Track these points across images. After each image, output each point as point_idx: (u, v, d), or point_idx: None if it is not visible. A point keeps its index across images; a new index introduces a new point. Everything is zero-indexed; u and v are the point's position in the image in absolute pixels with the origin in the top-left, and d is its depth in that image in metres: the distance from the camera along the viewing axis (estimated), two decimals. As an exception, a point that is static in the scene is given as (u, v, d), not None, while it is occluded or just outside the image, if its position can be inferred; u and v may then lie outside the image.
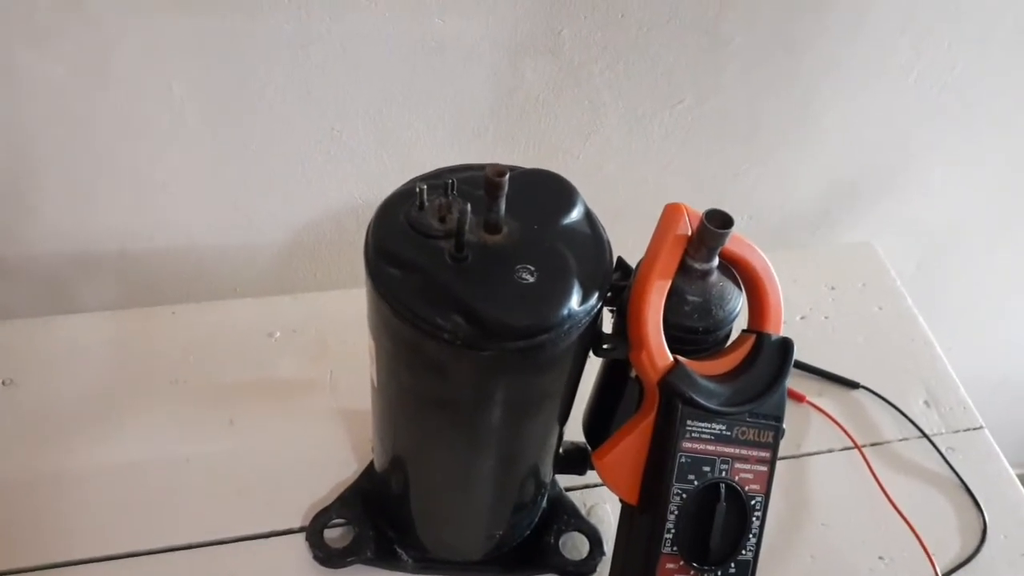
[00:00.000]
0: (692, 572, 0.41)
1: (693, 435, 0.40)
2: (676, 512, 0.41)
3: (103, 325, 0.70)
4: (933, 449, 0.69)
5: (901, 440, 0.70)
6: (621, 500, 0.43)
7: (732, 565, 0.42)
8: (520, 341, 0.38)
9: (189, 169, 0.70)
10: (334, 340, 0.71)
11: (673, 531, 0.41)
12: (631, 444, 0.41)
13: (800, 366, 0.72)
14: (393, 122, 0.70)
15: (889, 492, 0.64)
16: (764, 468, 0.43)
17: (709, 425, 0.41)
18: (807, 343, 0.74)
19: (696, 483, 0.41)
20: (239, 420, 0.65)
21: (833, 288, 0.80)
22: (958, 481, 0.67)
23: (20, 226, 0.71)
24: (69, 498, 0.59)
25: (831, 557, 0.62)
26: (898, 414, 0.71)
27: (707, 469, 0.41)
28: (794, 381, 0.71)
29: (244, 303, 0.73)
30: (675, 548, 0.41)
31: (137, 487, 0.61)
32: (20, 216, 0.70)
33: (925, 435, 0.70)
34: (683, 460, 0.40)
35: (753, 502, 0.42)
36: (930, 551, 0.61)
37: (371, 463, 0.61)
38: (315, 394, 0.68)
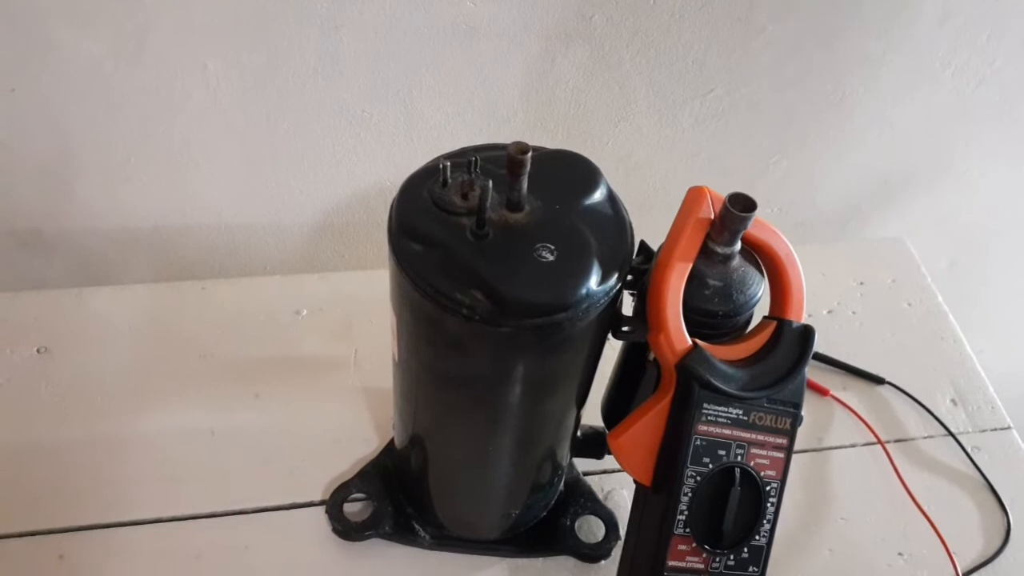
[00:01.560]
0: (704, 555, 0.41)
1: (709, 418, 0.41)
2: (689, 494, 0.41)
3: (135, 299, 0.71)
4: (958, 447, 0.68)
5: (926, 437, 0.69)
6: (635, 481, 0.43)
7: (745, 550, 0.42)
8: (538, 319, 0.38)
9: (222, 148, 0.71)
10: (359, 319, 0.72)
11: (686, 513, 0.41)
12: (646, 425, 0.41)
13: (825, 360, 0.72)
14: (423, 105, 0.70)
15: (911, 489, 0.64)
16: (781, 455, 0.43)
17: (726, 409, 0.41)
18: (833, 337, 0.73)
19: (711, 466, 0.41)
20: (264, 394, 0.66)
21: (862, 283, 0.79)
22: (983, 481, 0.66)
23: (57, 201, 0.72)
24: (96, 464, 0.61)
25: (849, 552, 0.62)
26: (923, 411, 0.70)
27: (722, 453, 0.41)
28: (818, 375, 0.71)
29: (272, 281, 0.74)
30: (687, 530, 0.41)
31: (163, 456, 0.62)
32: (57, 191, 0.72)
33: (951, 433, 0.69)
34: (698, 443, 0.40)
35: (768, 488, 0.42)
36: (951, 549, 0.61)
37: (392, 440, 0.62)
38: (339, 372, 0.69)
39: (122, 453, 0.62)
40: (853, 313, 0.76)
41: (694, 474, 0.41)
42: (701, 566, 0.42)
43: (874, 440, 0.67)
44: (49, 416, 0.63)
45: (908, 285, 0.79)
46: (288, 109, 0.69)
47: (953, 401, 0.71)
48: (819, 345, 0.71)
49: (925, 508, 0.62)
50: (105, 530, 0.58)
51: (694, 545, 0.41)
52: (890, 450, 0.67)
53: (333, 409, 0.66)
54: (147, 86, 0.65)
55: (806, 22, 0.69)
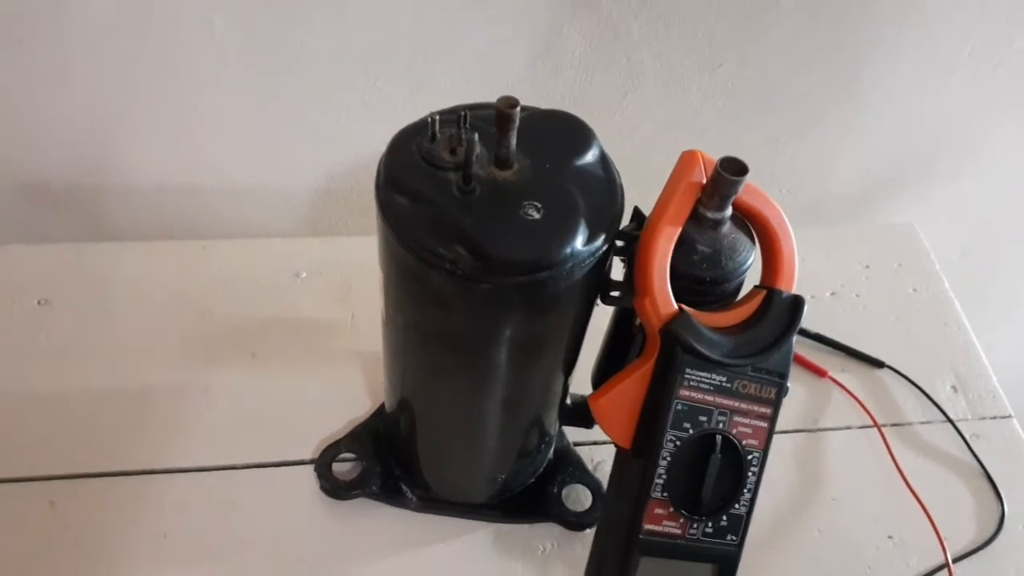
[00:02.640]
0: (681, 519, 0.41)
1: (691, 383, 0.40)
2: (668, 458, 0.40)
3: (136, 255, 0.72)
4: (956, 434, 0.67)
5: (923, 423, 0.68)
6: (615, 445, 0.43)
7: (724, 518, 0.42)
8: (521, 276, 0.38)
9: (228, 109, 0.71)
10: (358, 284, 0.72)
11: (664, 477, 0.40)
12: (628, 388, 0.41)
13: (824, 341, 0.71)
14: (429, 72, 0.70)
15: (906, 473, 0.63)
16: (764, 424, 0.42)
17: (709, 376, 0.41)
18: (834, 319, 0.73)
19: (691, 432, 0.40)
20: (261, 354, 0.67)
21: (867, 267, 0.78)
22: (980, 468, 0.66)
23: (61, 156, 0.73)
24: (90, 415, 0.62)
25: (839, 533, 0.61)
26: (923, 396, 0.69)
27: (703, 419, 0.41)
28: (817, 356, 0.71)
29: (273, 243, 0.75)
30: (665, 494, 0.41)
31: (156, 410, 0.62)
32: (61, 146, 0.72)
33: (949, 419, 0.68)
34: (679, 407, 0.40)
35: (750, 457, 0.42)
36: (942, 534, 0.60)
37: (383, 403, 0.62)
38: (336, 335, 0.69)
39: (116, 405, 0.62)
40: (857, 296, 0.76)
41: (674, 439, 0.40)
42: (678, 531, 0.41)
43: (871, 423, 0.67)
44: (46, 366, 0.64)
45: (915, 271, 0.78)
46: (294, 71, 0.69)
47: (953, 388, 0.70)
48: (820, 326, 0.71)
49: (919, 493, 0.62)
50: (96, 479, 0.59)
51: (671, 510, 0.41)
52: (886, 434, 0.66)
53: (328, 371, 0.66)
54: (154, 42, 0.65)
55: (820, -3, 0.68)
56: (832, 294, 0.76)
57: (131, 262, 0.71)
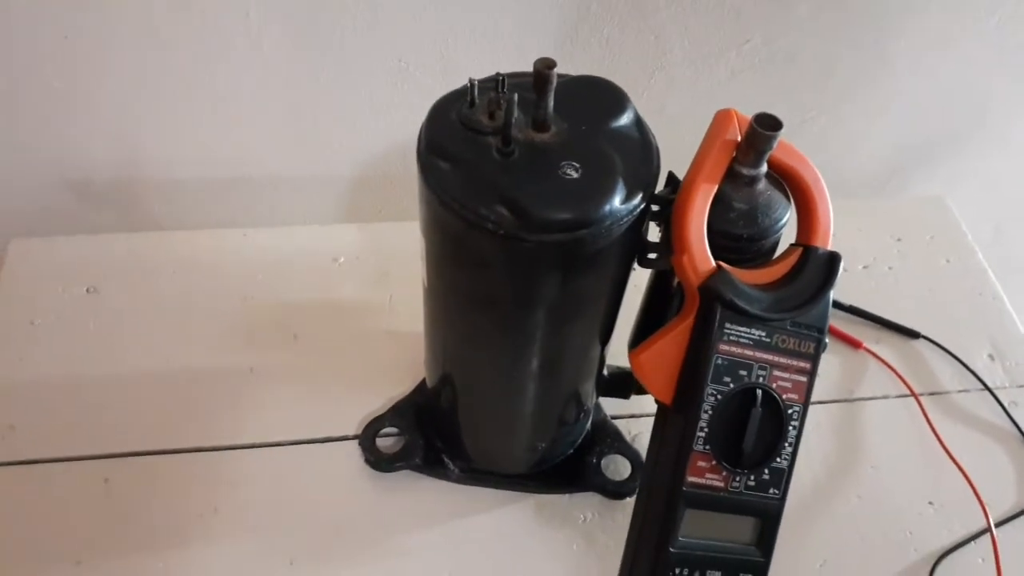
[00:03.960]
0: (724, 472, 0.42)
1: (731, 338, 0.41)
2: (710, 412, 0.41)
3: (179, 244, 0.74)
4: (995, 401, 0.67)
5: (961, 391, 0.68)
6: (656, 401, 0.43)
7: (766, 471, 0.43)
8: (560, 234, 0.39)
9: (265, 98, 0.73)
10: (395, 268, 0.73)
11: (706, 431, 0.41)
12: (669, 344, 0.41)
13: (858, 312, 0.71)
14: (459, 55, 0.71)
15: (944, 441, 0.63)
16: (804, 379, 0.43)
17: (748, 330, 0.41)
18: (868, 291, 0.73)
19: (732, 386, 0.41)
20: (303, 336, 0.68)
21: (899, 240, 0.78)
22: (1019, 435, 0.66)
23: (104, 151, 0.75)
24: (139, 396, 0.63)
25: (878, 499, 0.62)
26: (959, 365, 0.69)
27: (744, 373, 0.41)
28: (851, 327, 0.71)
29: (312, 230, 0.76)
30: (707, 447, 0.41)
31: (203, 391, 0.64)
32: (104, 142, 0.74)
33: (987, 387, 0.68)
34: (719, 362, 0.41)
35: (791, 411, 0.42)
36: (983, 500, 0.60)
37: (423, 380, 0.63)
38: (374, 317, 0.70)
39: (164, 387, 0.64)
40: (889, 268, 0.76)
41: (715, 392, 0.41)
42: (721, 484, 0.42)
43: (907, 392, 0.67)
44: (96, 350, 0.66)
45: (947, 243, 0.78)
46: (328, 60, 0.70)
47: (990, 356, 0.70)
48: (853, 299, 0.71)
49: (958, 460, 0.62)
50: (148, 457, 0.60)
51: (714, 463, 0.42)
52: (924, 403, 0.66)
53: (368, 351, 0.67)
54: (193, 32, 0.66)
55: (845, -31, 0.68)
56: (864, 267, 0.76)
57: (174, 250, 0.73)
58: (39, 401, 0.63)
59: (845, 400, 0.67)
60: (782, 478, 0.43)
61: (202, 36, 0.67)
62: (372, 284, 0.72)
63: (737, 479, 0.42)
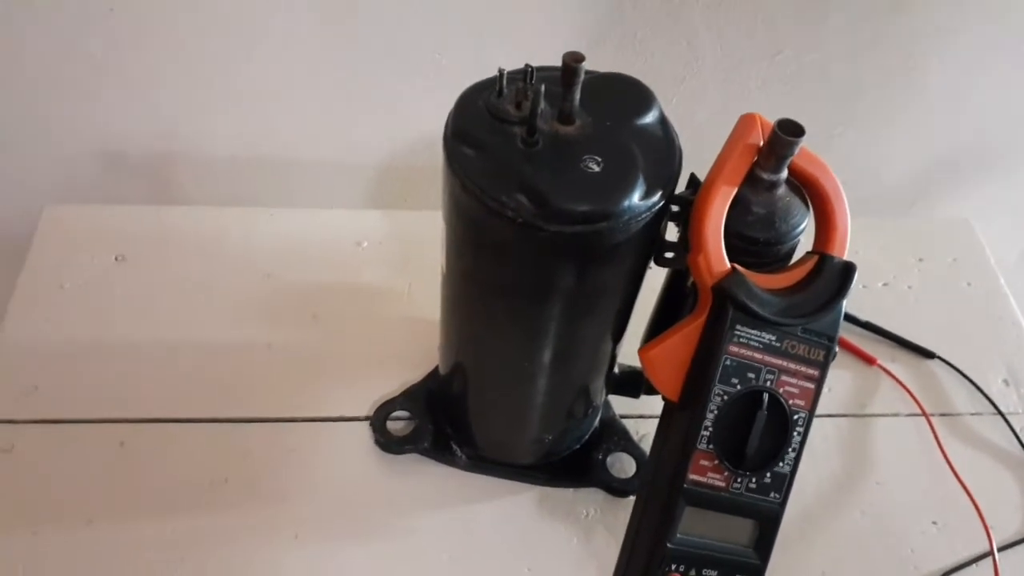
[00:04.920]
0: (726, 472, 0.42)
1: (741, 340, 0.41)
2: (715, 412, 0.41)
3: (207, 218, 0.75)
4: (1007, 427, 0.67)
5: (973, 414, 0.68)
6: (663, 399, 0.44)
7: (768, 475, 0.43)
8: (579, 225, 0.40)
9: (299, 82, 0.74)
10: (416, 256, 0.74)
11: (711, 429, 0.42)
12: (679, 342, 0.42)
13: (875, 329, 0.71)
14: (493, 52, 0.72)
15: (953, 462, 0.63)
16: (811, 385, 0.43)
17: (759, 333, 0.42)
18: (886, 309, 0.73)
19: (739, 387, 0.42)
20: (321, 316, 0.69)
21: (921, 259, 0.78)
22: (1029, 461, 0.65)
23: (138, 124, 0.77)
24: (159, 364, 0.65)
25: (882, 515, 0.62)
26: (973, 388, 0.69)
27: (752, 376, 0.42)
28: (866, 344, 0.71)
29: (336, 213, 0.77)
30: (711, 446, 0.42)
31: (221, 363, 0.65)
32: (139, 115, 0.76)
33: (1000, 412, 0.68)
34: (728, 363, 0.41)
35: (796, 416, 0.43)
36: (988, 523, 0.60)
37: (436, 367, 0.64)
38: (393, 302, 0.71)
39: (183, 356, 0.65)
40: (909, 287, 0.75)
41: (722, 392, 0.41)
42: (722, 484, 0.42)
43: (918, 412, 0.67)
44: (121, 317, 0.67)
45: (970, 265, 0.78)
46: (363, 50, 0.72)
47: (1005, 381, 0.70)
48: (870, 315, 0.71)
49: (965, 481, 0.62)
50: (163, 424, 0.62)
51: (716, 462, 0.42)
52: (934, 423, 0.66)
53: (385, 336, 0.68)
54: (233, 13, 0.68)
55: (881, -14, 0.68)
56: (884, 284, 0.76)
57: (201, 224, 0.75)
58: (63, 363, 0.64)
59: (855, 415, 0.67)
60: (783, 483, 0.43)
61: (242, 17, 0.68)
62: (393, 270, 0.73)
63: (738, 480, 0.43)
